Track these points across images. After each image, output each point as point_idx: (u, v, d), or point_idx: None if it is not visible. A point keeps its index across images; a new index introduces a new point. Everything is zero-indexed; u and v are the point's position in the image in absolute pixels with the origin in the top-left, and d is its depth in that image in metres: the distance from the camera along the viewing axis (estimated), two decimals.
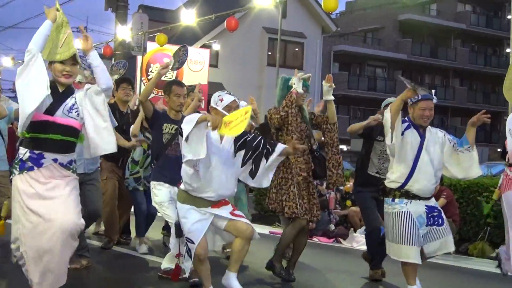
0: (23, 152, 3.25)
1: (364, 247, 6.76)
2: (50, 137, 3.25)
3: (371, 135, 4.99)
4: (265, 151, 3.86)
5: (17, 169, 3.24)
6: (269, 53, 22.92)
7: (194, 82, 6.44)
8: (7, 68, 15.89)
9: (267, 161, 3.87)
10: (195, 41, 19.35)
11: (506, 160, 4.64)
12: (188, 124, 3.50)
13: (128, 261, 5.22)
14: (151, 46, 13.42)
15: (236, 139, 3.78)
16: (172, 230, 4.14)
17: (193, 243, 3.66)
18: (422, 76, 33.72)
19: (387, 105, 4.63)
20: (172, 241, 4.12)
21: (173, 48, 15.21)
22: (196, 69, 13.99)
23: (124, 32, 12.66)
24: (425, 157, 4.22)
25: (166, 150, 4.54)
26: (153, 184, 4.50)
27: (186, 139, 3.47)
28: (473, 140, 4.26)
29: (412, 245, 4.08)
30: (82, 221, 3.28)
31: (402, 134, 4.17)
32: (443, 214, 4.29)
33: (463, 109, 30.92)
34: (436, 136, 4.33)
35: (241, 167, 3.88)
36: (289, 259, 4.72)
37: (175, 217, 4.10)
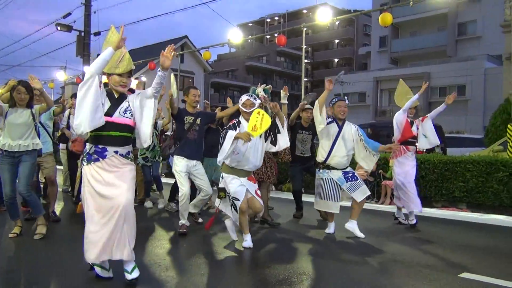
0: (89, 147, 3.22)
1: None
2: (111, 134, 3.21)
3: (295, 129, 5.82)
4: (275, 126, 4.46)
5: (86, 160, 3.23)
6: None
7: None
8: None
9: (278, 132, 4.43)
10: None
11: (392, 140, 5.56)
12: (228, 140, 4.13)
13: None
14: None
15: None
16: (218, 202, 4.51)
17: (238, 200, 4.27)
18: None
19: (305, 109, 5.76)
20: (217, 201, 4.51)
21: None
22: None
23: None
24: (340, 142, 4.77)
25: (187, 134, 4.95)
26: (175, 157, 4.96)
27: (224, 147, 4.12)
28: (382, 150, 4.88)
29: (332, 200, 4.74)
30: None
31: (327, 124, 4.69)
32: (356, 174, 4.90)
33: None
34: (350, 128, 4.85)
35: (265, 142, 4.46)
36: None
37: (187, 185, 4.82)
